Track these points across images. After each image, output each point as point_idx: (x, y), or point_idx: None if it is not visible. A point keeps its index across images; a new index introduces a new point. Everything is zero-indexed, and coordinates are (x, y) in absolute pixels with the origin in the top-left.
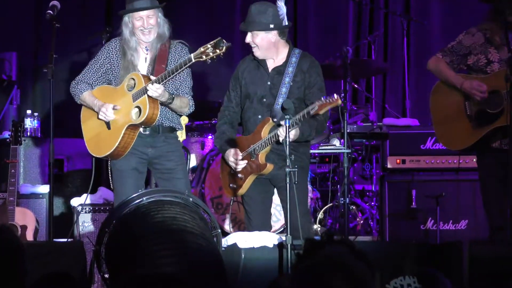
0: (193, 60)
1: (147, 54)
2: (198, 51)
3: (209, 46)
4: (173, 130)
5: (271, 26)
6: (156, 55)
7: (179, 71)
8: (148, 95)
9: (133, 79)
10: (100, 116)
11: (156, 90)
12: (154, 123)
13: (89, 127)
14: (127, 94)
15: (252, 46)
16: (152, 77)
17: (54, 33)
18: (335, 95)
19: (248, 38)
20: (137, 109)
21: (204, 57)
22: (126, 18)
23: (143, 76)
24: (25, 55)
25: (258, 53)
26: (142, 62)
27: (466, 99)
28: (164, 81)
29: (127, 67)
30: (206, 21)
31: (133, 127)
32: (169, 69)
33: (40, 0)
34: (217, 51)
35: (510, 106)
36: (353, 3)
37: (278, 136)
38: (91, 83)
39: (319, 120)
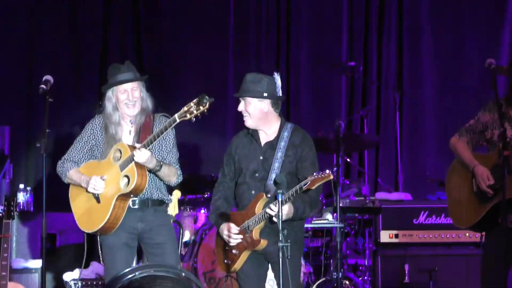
0: (178, 120)
1: (131, 127)
2: (182, 111)
3: (192, 104)
4: (162, 203)
5: (265, 94)
6: (140, 127)
7: (164, 133)
8: (135, 162)
9: (119, 149)
10: (89, 189)
11: (142, 155)
12: (143, 191)
13: (78, 204)
14: (114, 165)
15: (244, 114)
16: (137, 144)
17: (47, 108)
18: (327, 171)
19: (241, 106)
20: (126, 179)
21: (188, 115)
22: (109, 93)
23: (129, 146)
24: (17, 128)
25: (249, 122)
26: (126, 135)
27: (473, 177)
28: (150, 146)
29: (109, 142)
30: (200, 89)
31: (123, 197)
32: (154, 133)
33: (32, 73)
34: (201, 107)
35: (503, 178)
36: (345, 77)
37: (271, 210)
38: (76, 161)
39: (312, 196)
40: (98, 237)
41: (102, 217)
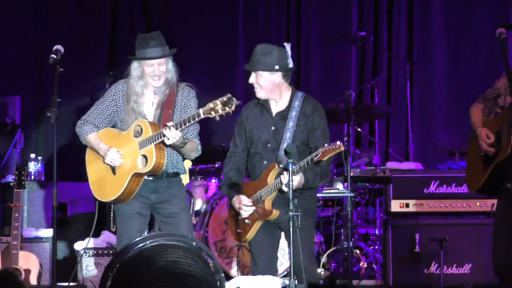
0: (202, 116)
1: (154, 97)
2: (207, 107)
3: (218, 103)
4: (177, 175)
5: (276, 67)
6: (163, 100)
7: (187, 125)
8: (155, 144)
9: (140, 126)
10: (106, 161)
11: (174, 136)
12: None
13: (94, 169)
14: (134, 140)
15: (255, 86)
16: (170, 123)
17: (57, 77)
18: (338, 142)
19: (252, 79)
20: (143, 158)
21: (213, 113)
22: (135, 63)
23: (150, 123)
24: (28, 98)
25: (260, 93)
26: (149, 106)
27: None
28: (180, 129)
29: (129, 113)
30: (210, 60)
31: (138, 175)
32: (181, 119)
33: (42, 43)
34: (226, 108)
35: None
36: (356, 47)
37: (282, 182)
38: (96, 124)
39: (323, 166)
40: (112, 206)
41: (116, 190)
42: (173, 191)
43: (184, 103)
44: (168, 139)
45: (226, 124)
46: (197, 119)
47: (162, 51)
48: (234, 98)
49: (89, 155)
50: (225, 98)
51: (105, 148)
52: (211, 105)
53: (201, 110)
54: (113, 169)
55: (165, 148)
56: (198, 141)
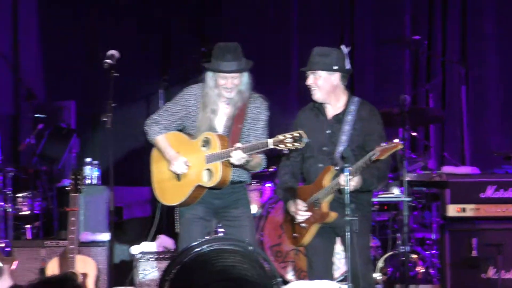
0: (270, 147)
1: (226, 108)
2: (276, 139)
3: (288, 137)
4: (241, 182)
5: (335, 67)
6: (235, 113)
7: (254, 152)
8: (222, 162)
9: (208, 139)
10: (171, 168)
11: (239, 158)
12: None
13: (159, 170)
14: (201, 152)
15: (313, 88)
16: (239, 144)
17: (112, 82)
18: (396, 140)
19: (310, 80)
20: (208, 171)
21: (281, 146)
22: (210, 73)
23: (219, 137)
24: (83, 103)
25: (318, 95)
26: (221, 116)
27: None
28: (247, 153)
29: (203, 120)
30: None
31: (202, 187)
32: (249, 144)
33: (97, 48)
34: (295, 144)
35: None
36: (409, 51)
37: (339, 185)
38: (166, 126)
39: (381, 169)
40: (175, 209)
41: (178, 197)
42: (237, 195)
43: (255, 116)
44: (234, 159)
45: (281, 129)
46: (265, 148)
47: (237, 65)
48: (304, 135)
49: (155, 156)
50: (295, 134)
51: (173, 154)
52: (281, 137)
53: (270, 141)
54: (178, 175)
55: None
56: (263, 156)
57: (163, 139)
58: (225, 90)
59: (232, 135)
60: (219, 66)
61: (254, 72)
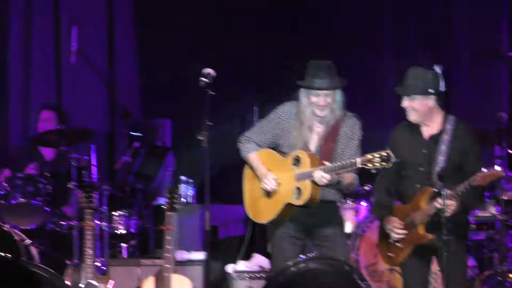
0: (358, 166)
1: (318, 127)
2: (365, 158)
3: (377, 156)
4: (333, 202)
5: (430, 90)
6: (327, 132)
7: (342, 171)
8: (312, 181)
9: (299, 157)
10: (262, 185)
11: (321, 179)
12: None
13: (250, 187)
14: (292, 170)
15: (408, 110)
16: (326, 163)
17: (208, 101)
18: (498, 167)
19: (406, 103)
20: (298, 190)
21: (369, 165)
22: (303, 91)
23: (309, 156)
24: (179, 121)
25: (414, 117)
26: (314, 134)
27: None
28: (331, 172)
29: (297, 138)
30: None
31: (291, 205)
32: (337, 164)
33: (193, 66)
34: (383, 163)
35: None
36: (507, 67)
37: (437, 207)
38: (259, 143)
39: (478, 192)
40: (267, 227)
41: (268, 215)
42: (329, 215)
43: (349, 135)
44: (316, 179)
45: (375, 144)
46: (353, 167)
47: (330, 83)
48: (392, 155)
49: (247, 173)
50: (384, 154)
51: (264, 171)
52: (369, 156)
53: (359, 160)
54: (268, 193)
55: None
56: (356, 175)
57: (255, 156)
58: (317, 108)
59: (323, 154)
60: (312, 83)
61: (348, 90)
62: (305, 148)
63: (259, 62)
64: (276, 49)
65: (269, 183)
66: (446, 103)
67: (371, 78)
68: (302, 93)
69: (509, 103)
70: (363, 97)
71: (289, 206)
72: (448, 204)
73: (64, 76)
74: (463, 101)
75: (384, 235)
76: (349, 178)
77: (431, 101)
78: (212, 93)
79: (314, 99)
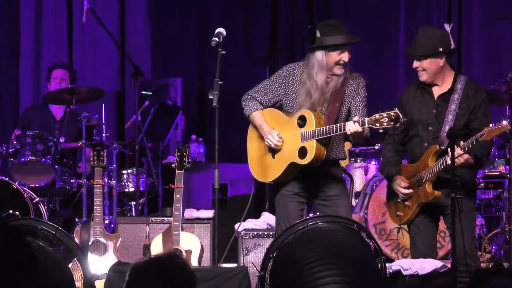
0: (366, 125)
1: (327, 87)
2: (373, 118)
3: (385, 116)
4: (337, 161)
5: (440, 49)
6: (332, 91)
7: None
8: (317, 140)
9: (304, 115)
10: (266, 142)
11: (354, 129)
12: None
13: (254, 147)
14: (297, 130)
15: (419, 70)
16: (355, 118)
17: (220, 60)
18: (504, 122)
19: (416, 63)
20: (303, 149)
21: (377, 125)
22: (319, 54)
23: (315, 115)
24: (190, 80)
25: (424, 77)
26: (321, 95)
27: None
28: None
29: (305, 99)
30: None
31: (295, 164)
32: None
33: (204, 26)
34: (391, 123)
35: None
36: None
37: (445, 163)
38: (262, 102)
39: (486, 147)
40: (270, 186)
41: (272, 174)
42: (332, 174)
43: (352, 95)
44: (347, 128)
45: (386, 103)
46: (361, 126)
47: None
48: (401, 116)
49: (251, 132)
50: (392, 114)
51: (267, 129)
52: (377, 116)
53: (366, 120)
54: (273, 152)
55: (328, 140)
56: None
57: (259, 115)
58: (338, 66)
59: (329, 113)
60: (334, 40)
61: (358, 52)
62: (312, 108)
63: (272, 21)
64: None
65: (273, 139)
66: (458, 62)
67: (382, 40)
68: (320, 54)
69: None
70: (375, 59)
71: (293, 165)
72: (458, 154)
73: (75, 36)
74: (475, 61)
75: (392, 194)
76: (366, 131)
77: (441, 60)
78: (223, 52)
79: (337, 57)
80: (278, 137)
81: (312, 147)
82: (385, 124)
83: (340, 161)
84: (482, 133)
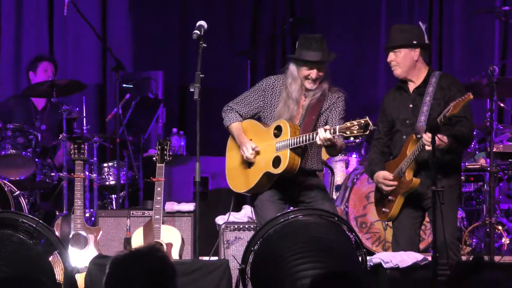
0: (337, 133)
1: (304, 100)
2: (344, 126)
3: (356, 124)
4: (314, 172)
5: (414, 42)
6: (310, 104)
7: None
8: (290, 149)
9: (280, 126)
10: (241, 152)
11: (322, 135)
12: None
13: (232, 157)
14: (272, 140)
15: (393, 65)
16: (327, 126)
17: (201, 53)
18: (467, 93)
19: (391, 56)
20: (277, 159)
21: (348, 133)
22: (292, 65)
23: (290, 126)
24: (171, 73)
25: (398, 71)
26: (299, 108)
27: None
28: (333, 136)
29: (283, 111)
30: (352, 39)
31: (270, 174)
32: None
33: (186, 19)
34: (361, 131)
35: None
36: (499, 21)
37: (421, 147)
38: (241, 113)
39: (464, 132)
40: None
41: (246, 184)
42: (311, 182)
43: (330, 108)
44: (319, 136)
45: (368, 102)
46: (332, 135)
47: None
48: (371, 123)
49: (230, 143)
50: (362, 121)
51: (244, 140)
52: (348, 124)
53: (337, 127)
54: (249, 163)
55: (304, 150)
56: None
57: (237, 126)
58: (308, 81)
59: (304, 125)
60: (305, 55)
61: (340, 52)
62: (291, 121)
63: (254, 15)
64: (273, 6)
65: (246, 151)
66: (439, 57)
67: (362, 38)
68: (293, 66)
69: (500, 57)
70: (355, 59)
71: (268, 175)
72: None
73: (56, 28)
74: (456, 55)
75: (377, 194)
76: (340, 142)
77: (416, 54)
78: (205, 45)
79: (306, 72)
80: (252, 149)
81: (285, 156)
82: (355, 132)
83: (318, 173)
84: (448, 108)
